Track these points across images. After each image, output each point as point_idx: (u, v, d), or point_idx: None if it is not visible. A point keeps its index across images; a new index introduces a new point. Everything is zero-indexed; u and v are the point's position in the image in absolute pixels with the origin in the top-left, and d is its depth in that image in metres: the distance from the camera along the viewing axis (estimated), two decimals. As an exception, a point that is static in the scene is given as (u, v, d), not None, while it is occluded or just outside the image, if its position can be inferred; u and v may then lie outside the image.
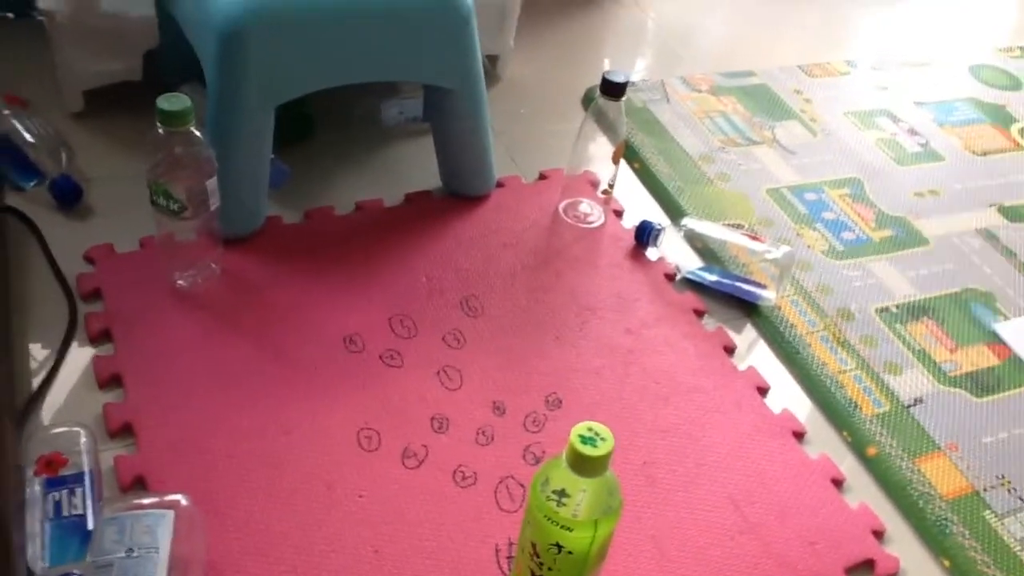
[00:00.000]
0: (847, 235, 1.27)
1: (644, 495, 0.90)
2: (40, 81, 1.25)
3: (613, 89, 1.11)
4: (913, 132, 1.51)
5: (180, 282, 1.03)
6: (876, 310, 1.15)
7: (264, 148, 1.04)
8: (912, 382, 1.07)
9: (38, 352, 0.95)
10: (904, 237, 1.28)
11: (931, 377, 1.08)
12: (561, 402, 0.98)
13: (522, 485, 0.89)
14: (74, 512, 0.78)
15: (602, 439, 0.67)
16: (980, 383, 1.08)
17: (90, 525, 0.77)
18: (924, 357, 1.10)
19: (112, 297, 1.01)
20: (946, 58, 1.74)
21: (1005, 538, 0.92)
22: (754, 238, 1.17)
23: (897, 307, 1.16)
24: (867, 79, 1.64)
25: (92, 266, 1.05)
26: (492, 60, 1.45)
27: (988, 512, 0.94)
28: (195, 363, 0.95)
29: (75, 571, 0.74)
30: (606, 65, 1.58)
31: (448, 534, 0.84)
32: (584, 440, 0.67)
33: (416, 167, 1.25)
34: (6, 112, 1.15)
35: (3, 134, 1.14)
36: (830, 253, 1.23)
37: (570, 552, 0.71)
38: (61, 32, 1.16)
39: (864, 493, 0.95)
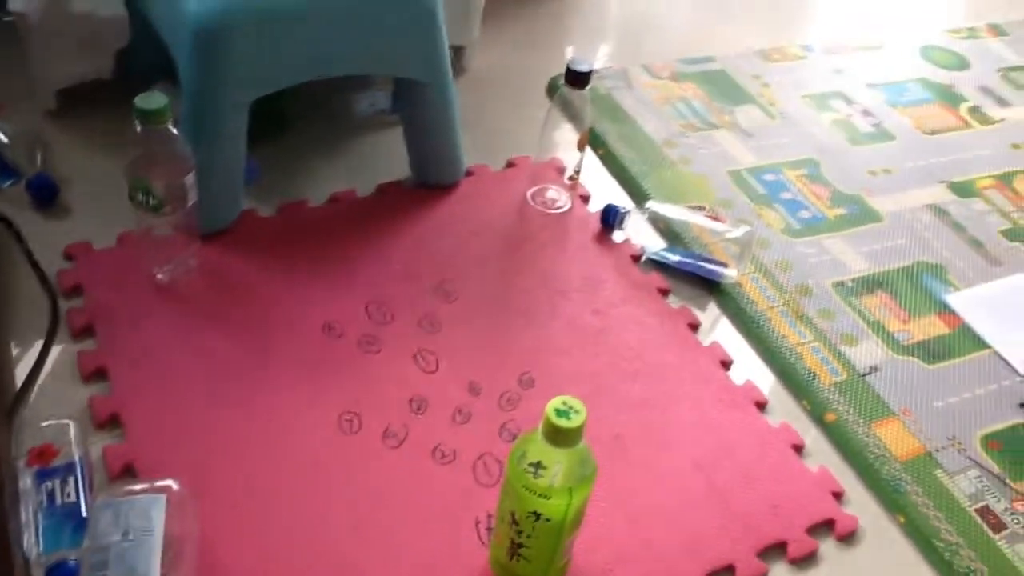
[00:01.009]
0: (804, 214, 1.32)
1: (616, 464, 0.94)
2: (12, 81, 1.26)
3: (578, 79, 1.14)
4: (866, 113, 1.57)
5: (159, 276, 1.05)
6: (832, 284, 1.21)
7: (239, 144, 1.07)
8: (867, 352, 1.12)
9: (22, 348, 0.98)
10: (858, 214, 1.34)
11: (885, 347, 1.13)
12: (534, 381, 1.02)
13: (499, 461, 0.93)
14: (67, 500, 0.81)
15: (575, 411, 0.71)
16: (931, 351, 1.14)
17: (84, 512, 0.80)
18: (878, 328, 1.15)
19: (93, 292, 1.03)
20: (898, 40, 1.80)
21: (955, 494, 0.97)
22: (715, 219, 1.22)
23: (852, 281, 1.22)
24: (822, 63, 1.69)
25: (71, 263, 1.07)
26: (458, 51, 1.48)
27: (940, 471, 0.99)
28: (178, 354, 0.98)
29: (72, 557, 0.77)
30: (568, 54, 1.62)
31: (429, 508, 0.88)
32: (559, 413, 0.71)
33: (387, 158, 1.28)
34: (-21, 113, 1.17)
35: (-22, 134, 1.16)
36: (788, 231, 1.28)
37: (548, 519, 0.75)
38: (32, 32, 1.17)
39: (823, 458, 1.00)
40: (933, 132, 1.55)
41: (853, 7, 1.94)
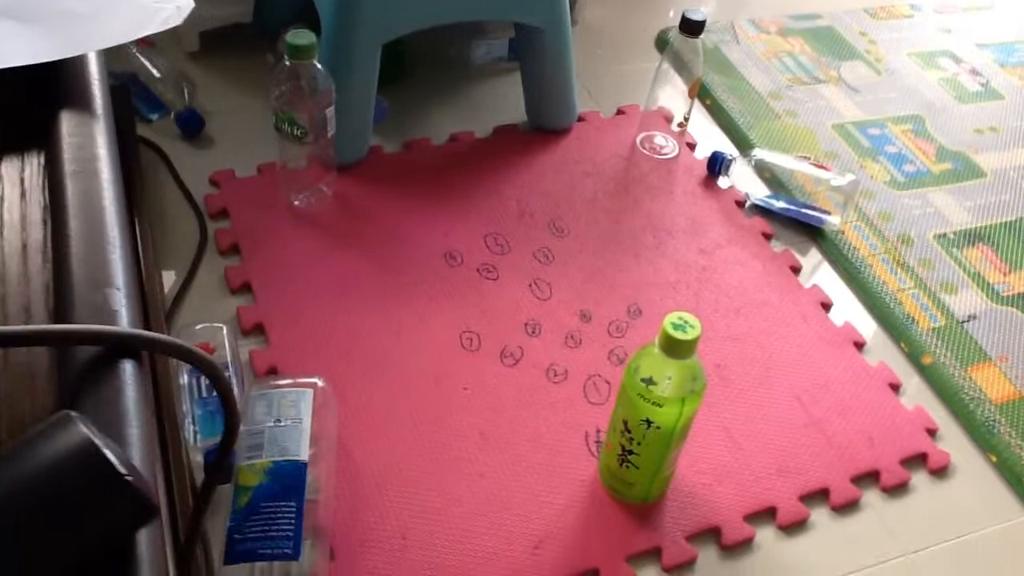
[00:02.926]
0: (908, 167, 1.34)
1: (718, 392, 1.00)
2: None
3: (692, 27, 1.19)
4: (974, 72, 1.57)
5: (296, 203, 1.14)
6: (934, 236, 1.23)
7: (371, 83, 1.15)
8: (967, 300, 1.15)
9: (175, 263, 1.07)
10: (962, 170, 1.35)
11: (985, 296, 1.16)
12: (641, 312, 1.08)
13: (608, 382, 1.00)
14: (223, 393, 0.90)
15: (691, 326, 0.77)
16: (1031, 303, 1.16)
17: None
18: (978, 279, 1.18)
19: (238, 215, 1.12)
20: (1008, 1, 1.78)
21: (1049, 437, 1.00)
22: (820, 167, 1.25)
23: (954, 233, 1.24)
24: (931, 21, 1.69)
25: (217, 189, 1.16)
26: (572, 3, 1.53)
27: (1034, 415, 1.03)
28: (314, 272, 1.07)
29: (227, 441, 0.87)
30: (670, 12, 1.65)
31: (544, 421, 0.95)
32: (676, 326, 0.77)
33: (503, 102, 1.35)
34: (134, 51, 1.26)
35: (132, 71, 1.26)
36: (892, 183, 1.31)
37: (659, 427, 0.81)
38: (182, -23, 1.27)
39: (919, 397, 1.04)
40: (1043, 92, 1.54)
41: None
